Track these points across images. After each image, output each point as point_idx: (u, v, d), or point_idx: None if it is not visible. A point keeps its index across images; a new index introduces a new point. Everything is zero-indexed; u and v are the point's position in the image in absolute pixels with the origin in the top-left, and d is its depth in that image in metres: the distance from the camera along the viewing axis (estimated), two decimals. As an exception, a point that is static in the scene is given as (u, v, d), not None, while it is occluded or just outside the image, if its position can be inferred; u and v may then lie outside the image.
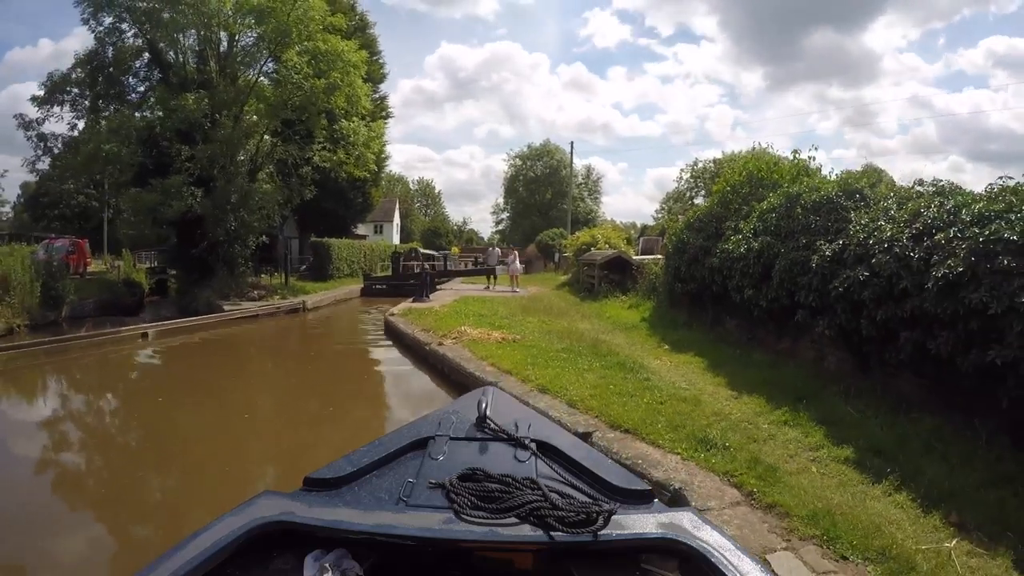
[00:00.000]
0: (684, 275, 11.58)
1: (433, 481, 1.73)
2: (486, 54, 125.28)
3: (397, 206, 52.69)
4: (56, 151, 19.74)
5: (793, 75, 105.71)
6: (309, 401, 9.05)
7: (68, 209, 41.33)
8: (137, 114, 19.40)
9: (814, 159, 10.87)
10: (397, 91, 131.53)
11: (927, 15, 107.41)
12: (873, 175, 10.24)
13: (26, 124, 19.27)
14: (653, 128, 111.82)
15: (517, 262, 23.68)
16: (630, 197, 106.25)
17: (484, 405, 2.22)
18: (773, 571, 1.89)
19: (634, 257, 20.31)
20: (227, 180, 18.37)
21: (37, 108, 19.08)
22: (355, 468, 1.85)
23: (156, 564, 1.33)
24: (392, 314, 14.13)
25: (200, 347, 13.47)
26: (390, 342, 13.04)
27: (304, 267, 26.04)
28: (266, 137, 20.29)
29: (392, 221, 50.00)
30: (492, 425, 2.13)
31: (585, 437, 5.35)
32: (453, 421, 2.19)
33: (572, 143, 73.28)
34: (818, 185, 8.76)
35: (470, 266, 33.76)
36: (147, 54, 19.74)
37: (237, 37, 19.50)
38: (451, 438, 2.06)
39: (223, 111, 18.62)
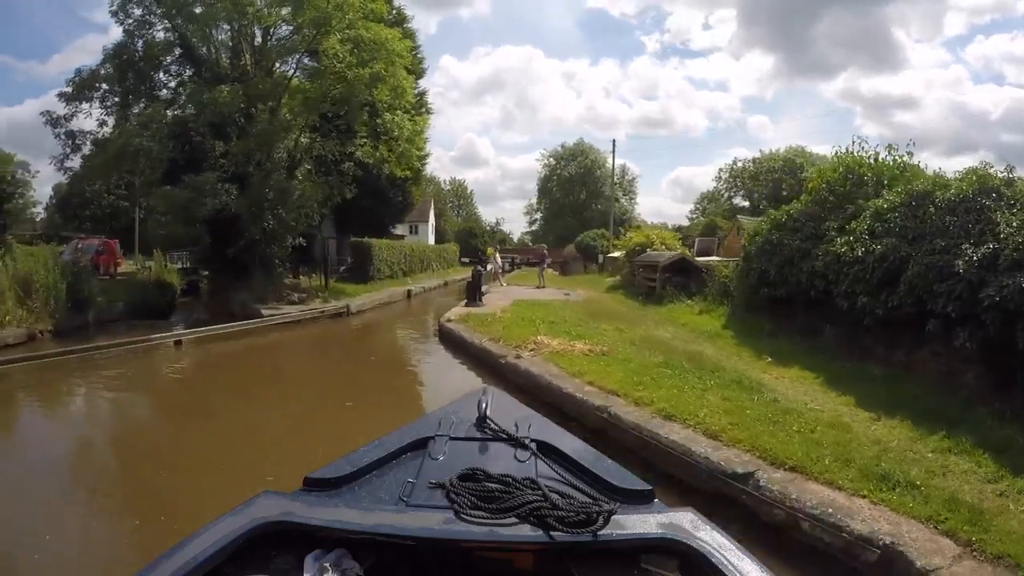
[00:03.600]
0: (774, 279, 10.59)
1: (433, 481, 1.71)
2: (500, 56, 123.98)
3: (432, 206, 51.52)
4: (84, 149, 18.92)
5: (816, 67, 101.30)
6: (368, 427, 7.74)
7: (99, 209, 40.97)
8: (169, 112, 18.45)
9: (911, 155, 10.51)
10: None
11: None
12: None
13: (54, 121, 18.43)
14: (671, 128, 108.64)
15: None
16: (650, 197, 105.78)
17: (484, 405, 2.18)
18: (773, 572, 1.50)
19: (697, 259, 19.23)
20: (263, 176, 17.27)
21: (65, 105, 18.24)
22: (355, 468, 1.83)
23: (156, 564, 1.32)
24: (448, 320, 12.80)
25: (243, 357, 12.18)
26: (450, 353, 11.72)
27: (343, 268, 24.92)
28: (304, 132, 19.17)
29: (427, 221, 48.65)
30: (492, 425, 2.10)
31: (744, 479, 4.60)
32: (453, 421, 2.16)
33: (614, 141, 70.69)
34: (947, 183, 8.14)
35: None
36: (178, 49, 18.75)
37: (272, 29, 18.53)
38: (451, 438, 2.04)
39: (258, 104, 17.57)
